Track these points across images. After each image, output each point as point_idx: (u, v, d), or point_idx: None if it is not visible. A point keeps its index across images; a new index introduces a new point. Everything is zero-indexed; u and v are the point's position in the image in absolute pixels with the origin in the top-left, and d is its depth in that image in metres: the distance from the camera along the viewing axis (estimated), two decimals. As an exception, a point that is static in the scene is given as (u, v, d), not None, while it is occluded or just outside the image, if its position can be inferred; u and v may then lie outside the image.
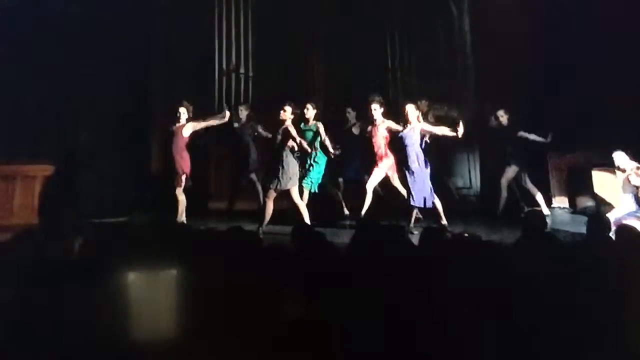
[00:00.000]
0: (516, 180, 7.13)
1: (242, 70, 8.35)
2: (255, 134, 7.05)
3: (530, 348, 2.29)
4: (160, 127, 7.63)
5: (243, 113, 7.19)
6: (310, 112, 6.52)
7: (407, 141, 6.08)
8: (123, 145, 7.25)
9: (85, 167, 7.26)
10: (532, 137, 7.04)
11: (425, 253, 2.98)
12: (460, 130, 5.92)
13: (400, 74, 8.22)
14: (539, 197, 7.03)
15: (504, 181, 7.06)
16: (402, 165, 6.15)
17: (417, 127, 6.09)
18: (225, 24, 8.41)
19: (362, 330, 2.19)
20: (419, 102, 6.95)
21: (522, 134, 7.01)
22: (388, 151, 6.34)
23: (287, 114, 6.13)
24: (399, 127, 6.21)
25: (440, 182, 6.93)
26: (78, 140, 7.55)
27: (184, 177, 6.41)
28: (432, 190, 6.04)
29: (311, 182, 6.52)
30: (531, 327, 2.29)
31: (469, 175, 8.15)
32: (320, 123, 6.46)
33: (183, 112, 6.53)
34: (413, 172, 6.02)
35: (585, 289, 2.54)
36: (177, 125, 6.50)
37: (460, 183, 7.94)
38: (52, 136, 7.45)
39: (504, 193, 7.04)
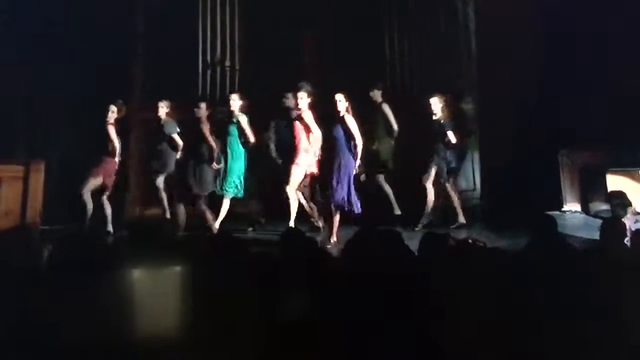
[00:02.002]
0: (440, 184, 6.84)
1: (227, 63, 8.33)
2: (171, 135, 6.69)
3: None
4: (138, 123, 7.59)
5: (162, 110, 6.83)
6: (235, 103, 6.46)
7: (335, 134, 6.10)
8: (98, 143, 7.16)
9: (57, 169, 7.20)
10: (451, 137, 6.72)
11: (426, 261, 2.98)
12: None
13: (399, 64, 8.24)
14: (457, 203, 6.83)
15: (429, 184, 6.81)
16: (329, 162, 6.14)
17: (345, 120, 6.08)
18: (209, 14, 8.39)
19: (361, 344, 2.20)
20: (373, 91, 6.99)
21: (449, 132, 6.71)
22: (308, 146, 6.20)
23: (201, 111, 6.21)
24: (312, 125, 6.15)
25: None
26: (49, 141, 7.49)
27: (109, 182, 6.40)
28: (355, 197, 5.99)
29: (235, 185, 6.36)
30: (542, 338, 2.30)
31: (473, 177, 8.13)
32: (243, 115, 6.43)
33: (112, 111, 6.46)
34: (334, 171, 6.02)
35: (599, 299, 2.54)
36: (107, 122, 6.42)
37: (463, 185, 7.92)
38: (23, 137, 7.39)
39: (431, 196, 6.82)
